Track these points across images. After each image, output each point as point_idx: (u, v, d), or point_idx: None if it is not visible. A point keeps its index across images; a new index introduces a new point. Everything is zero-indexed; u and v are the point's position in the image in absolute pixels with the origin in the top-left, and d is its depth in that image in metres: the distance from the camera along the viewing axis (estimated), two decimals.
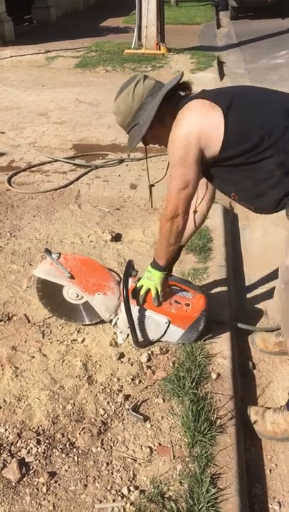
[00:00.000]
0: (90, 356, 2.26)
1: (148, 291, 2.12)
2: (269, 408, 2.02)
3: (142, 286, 2.13)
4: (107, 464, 1.77)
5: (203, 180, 2.03)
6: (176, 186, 1.82)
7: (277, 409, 1.99)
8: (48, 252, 2.25)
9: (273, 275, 2.91)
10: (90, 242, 3.21)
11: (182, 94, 1.88)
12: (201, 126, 1.72)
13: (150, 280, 2.09)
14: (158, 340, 2.29)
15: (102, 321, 2.40)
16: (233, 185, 1.86)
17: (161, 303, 2.15)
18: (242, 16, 13.93)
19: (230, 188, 1.88)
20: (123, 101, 1.88)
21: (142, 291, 2.12)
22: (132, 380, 2.12)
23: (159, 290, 2.10)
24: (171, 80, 1.88)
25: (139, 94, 1.85)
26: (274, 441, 1.96)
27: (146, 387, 2.08)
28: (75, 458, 1.79)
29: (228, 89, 1.96)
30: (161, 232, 1.98)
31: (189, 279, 2.69)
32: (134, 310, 2.18)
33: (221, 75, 7.89)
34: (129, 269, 2.22)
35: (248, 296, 2.83)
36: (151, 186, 2.35)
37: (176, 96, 1.86)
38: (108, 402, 2.01)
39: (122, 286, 2.16)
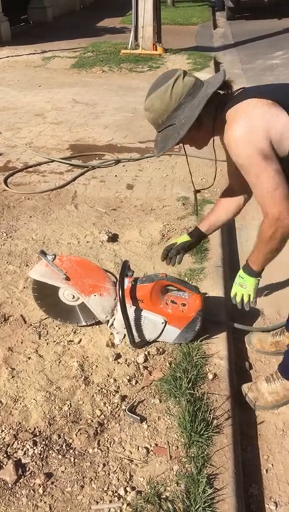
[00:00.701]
0: (87, 357, 2.25)
1: (242, 297, 1.94)
2: (256, 381, 2.11)
3: (235, 295, 1.95)
4: (104, 464, 1.77)
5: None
6: (266, 190, 1.63)
7: (270, 378, 2.07)
8: (43, 253, 2.25)
9: (270, 275, 2.91)
10: (87, 242, 3.21)
11: (221, 92, 1.75)
12: (265, 119, 1.58)
13: (243, 287, 1.91)
14: (154, 341, 2.29)
15: (99, 322, 2.40)
16: None
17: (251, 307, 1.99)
18: (238, 17, 13.95)
19: None
20: (159, 98, 1.72)
21: (246, 299, 1.92)
22: (129, 380, 2.12)
23: (252, 296, 1.92)
24: (214, 79, 1.76)
25: (178, 92, 1.70)
26: (271, 438, 1.96)
27: (142, 388, 2.08)
28: (72, 459, 1.79)
29: (273, 85, 1.85)
30: (263, 239, 1.75)
31: (186, 279, 2.69)
32: (131, 310, 2.18)
33: None
34: (125, 269, 2.22)
35: None
36: (196, 192, 2.20)
37: (216, 97, 1.73)
38: (105, 403, 2.01)
39: (117, 287, 2.16)
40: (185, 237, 2.27)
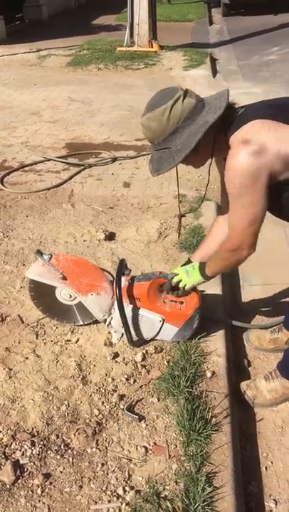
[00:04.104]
0: (85, 356, 2.25)
1: (179, 281, 2.09)
2: (254, 379, 2.13)
3: (175, 275, 2.10)
4: (102, 464, 1.76)
5: None
6: (242, 223, 1.66)
7: (269, 376, 2.08)
8: (40, 253, 2.23)
9: (268, 272, 2.91)
10: (84, 241, 3.19)
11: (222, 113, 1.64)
12: (272, 146, 1.53)
13: (187, 276, 2.05)
14: (152, 339, 2.29)
15: (96, 321, 2.39)
16: None
17: (180, 295, 2.15)
18: (234, 13, 13.89)
19: None
20: (156, 119, 1.65)
21: (187, 287, 2.08)
22: (127, 379, 2.11)
23: (187, 287, 2.08)
24: (216, 101, 1.66)
25: (176, 116, 1.62)
26: (270, 436, 1.96)
27: (141, 387, 2.07)
28: (70, 459, 1.78)
29: (275, 102, 1.77)
30: (220, 256, 1.87)
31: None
32: (128, 309, 2.17)
33: (214, 71, 7.88)
34: (122, 268, 2.22)
35: (243, 293, 2.82)
36: (181, 216, 2.19)
37: (218, 119, 1.62)
38: (103, 403, 2.00)
39: (115, 286, 2.15)
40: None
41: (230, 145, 1.63)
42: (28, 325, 2.46)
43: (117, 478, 1.71)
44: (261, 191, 1.58)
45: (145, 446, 1.82)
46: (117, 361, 2.21)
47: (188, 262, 2.20)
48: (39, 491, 1.67)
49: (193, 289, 2.22)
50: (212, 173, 2.05)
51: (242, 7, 13.81)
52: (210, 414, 1.89)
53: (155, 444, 1.83)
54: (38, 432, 1.88)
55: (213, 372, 2.10)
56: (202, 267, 2.01)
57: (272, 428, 2.01)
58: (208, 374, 2.09)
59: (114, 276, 2.21)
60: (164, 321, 2.18)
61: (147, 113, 1.69)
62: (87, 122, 5.52)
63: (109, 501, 1.63)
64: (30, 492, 1.67)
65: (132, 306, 2.18)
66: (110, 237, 3.23)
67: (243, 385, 2.11)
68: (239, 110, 1.69)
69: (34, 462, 1.76)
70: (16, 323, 2.47)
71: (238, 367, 2.30)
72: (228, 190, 1.66)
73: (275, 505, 1.74)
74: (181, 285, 2.10)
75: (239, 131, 1.60)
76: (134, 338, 2.23)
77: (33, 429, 1.89)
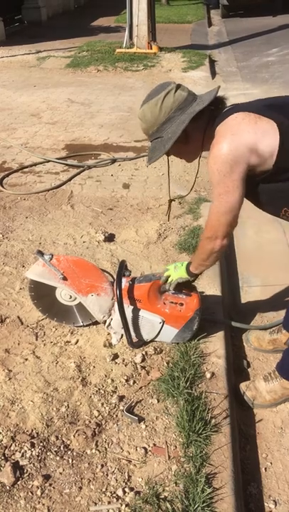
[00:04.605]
0: (84, 358, 2.25)
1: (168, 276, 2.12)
2: (254, 380, 2.13)
3: (167, 270, 2.14)
4: (102, 465, 1.76)
5: None
6: (218, 210, 1.72)
7: (268, 376, 2.08)
8: (40, 253, 2.24)
9: (267, 273, 2.91)
10: (83, 242, 3.20)
11: (213, 108, 1.76)
12: (251, 137, 1.59)
13: (174, 270, 2.09)
14: (152, 341, 2.29)
15: (96, 322, 2.39)
16: (288, 199, 1.72)
17: (165, 290, 2.17)
18: (233, 14, 13.93)
19: (283, 203, 1.74)
20: (150, 110, 1.77)
21: (165, 275, 2.12)
22: (126, 380, 2.11)
23: (173, 283, 2.09)
24: (206, 95, 1.77)
25: (168, 106, 1.73)
26: (270, 436, 1.96)
27: (140, 388, 2.08)
28: (70, 460, 1.78)
29: (263, 100, 1.84)
30: (199, 247, 1.93)
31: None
32: (128, 310, 2.18)
33: (213, 73, 7.89)
34: (122, 269, 2.22)
35: (242, 294, 2.82)
36: (170, 201, 2.24)
37: (207, 113, 1.74)
38: (102, 404, 2.00)
39: (115, 287, 2.15)
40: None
41: (215, 135, 1.70)
42: (28, 326, 2.46)
43: (116, 480, 1.71)
44: (238, 181, 1.64)
45: (145, 448, 1.82)
46: (116, 362, 2.21)
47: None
48: (39, 493, 1.67)
49: (193, 290, 2.22)
50: None
51: (241, 8, 13.84)
52: (209, 415, 1.89)
53: (155, 445, 1.83)
54: (37, 433, 1.88)
55: (213, 373, 2.10)
56: (188, 263, 2.05)
57: (272, 429, 2.01)
58: (208, 375, 2.09)
59: (115, 277, 2.21)
60: (164, 322, 2.18)
61: (143, 105, 1.81)
62: (86, 124, 5.53)
63: (108, 502, 1.63)
64: (29, 493, 1.67)
65: (132, 307, 2.18)
66: (110, 238, 3.23)
67: (243, 385, 2.12)
68: (228, 106, 1.78)
69: (34, 463, 1.76)
70: (16, 325, 2.47)
71: (237, 368, 2.30)
72: (209, 179, 1.73)
73: (274, 505, 1.74)
74: (168, 280, 2.11)
75: (222, 123, 1.67)
76: (134, 339, 2.23)
77: (32, 430, 1.89)
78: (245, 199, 1.73)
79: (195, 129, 1.74)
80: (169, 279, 2.12)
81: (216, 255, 1.87)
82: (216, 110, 1.75)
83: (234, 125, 1.63)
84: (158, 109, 1.74)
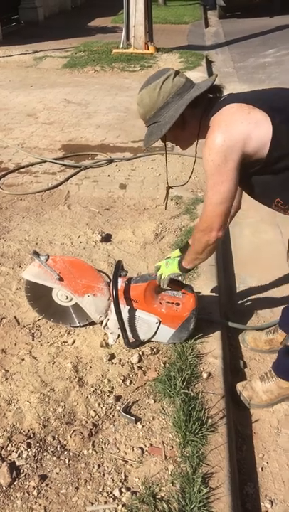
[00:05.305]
0: (81, 358, 2.25)
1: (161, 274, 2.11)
2: (250, 380, 2.14)
3: (159, 267, 2.13)
4: (99, 466, 1.76)
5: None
6: (213, 200, 1.72)
7: (265, 376, 2.09)
8: (36, 254, 2.23)
9: (264, 273, 2.92)
10: (80, 243, 3.20)
11: (211, 96, 1.78)
12: (244, 128, 1.62)
13: (166, 267, 2.08)
14: (149, 341, 2.29)
15: (93, 323, 2.39)
16: (279, 191, 1.75)
17: (161, 290, 2.16)
18: (230, 15, 13.95)
19: (276, 195, 1.77)
20: (148, 94, 1.78)
21: (158, 273, 2.12)
22: (123, 381, 2.11)
23: (166, 280, 2.08)
24: (203, 82, 1.80)
25: (166, 91, 1.74)
26: (266, 436, 1.96)
27: (137, 388, 2.08)
28: (66, 460, 1.78)
29: (258, 91, 1.88)
30: (193, 238, 1.93)
31: (179, 278, 2.68)
32: (125, 310, 2.18)
33: (210, 74, 7.89)
34: (119, 269, 2.22)
35: (239, 294, 2.83)
36: (168, 188, 2.23)
37: (205, 100, 1.77)
38: (99, 404, 2.00)
39: (111, 287, 2.15)
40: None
41: (210, 125, 1.72)
42: (24, 327, 2.45)
43: (113, 480, 1.71)
44: (232, 170, 1.65)
45: (141, 448, 1.82)
46: (113, 363, 2.21)
47: (186, 244, 2.19)
48: (35, 493, 1.67)
49: (190, 290, 2.23)
50: None
51: (238, 9, 13.86)
52: (206, 415, 1.89)
53: (151, 445, 1.83)
54: (34, 433, 1.87)
55: (210, 374, 2.11)
56: (181, 258, 2.03)
57: (268, 429, 2.01)
58: (205, 375, 2.10)
59: (111, 277, 2.21)
60: (160, 322, 2.18)
61: (142, 90, 1.81)
62: (83, 124, 5.53)
63: (105, 502, 1.63)
64: (26, 494, 1.67)
65: (128, 307, 2.18)
66: (106, 238, 3.23)
67: (239, 386, 2.12)
68: (224, 96, 1.80)
69: (30, 464, 1.76)
70: (12, 325, 2.47)
71: (234, 368, 2.30)
72: (204, 169, 1.74)
73: (270, 505, 1.74)
74: (162, 277, 2.10)
75: (217, 113, 1.69)
76: (131, 339, 2.23)
77: (29, 430, 1.89)
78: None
79: (192, 115, 1.76)
80: (162, 276, 2.10)
81: (211, 248, 1.86)
82: (213, 98, 1.78)
83: (228, 115, 1.66)
84: (156, 93, 1.75)
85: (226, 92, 1.83)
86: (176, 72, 1.78)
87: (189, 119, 1.77)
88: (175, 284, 2.23)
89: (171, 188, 2.26)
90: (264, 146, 1.62)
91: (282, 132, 1.61)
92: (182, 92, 1.75)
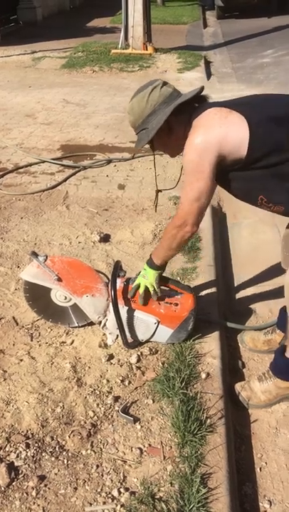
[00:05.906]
0: (79, 358, 2.24)
1: (145, 289, 2.13)
2: (249, 380, 2.14)
3: (138, 285, 2.14)
4: (97, 466, 1.76)
5: None
6: (189, 196, 1.82)
7: (263, 377, 2.09)
8: (35, 254, 2.23)
9: (262, 274, 2.92)
10: (79, 243, 3.19)
11: (196, 105, 1.88)
12: (221, 131, 1.72)
13: (145, 279, 2.11)
14: (147, 341, 2.29)
15: (91, 323, 2.39)
16: (261, 188, 1.82)
17: (158, 299, 2.17)
18: (228, 16, 13.98)
19: (258, 192, 1.83)
20: (137, 103, 1.90)
21: (141, 291, 2.13)
22: (122, 381, 2.11)
23: (155, 287, 2.12)
24: (190, 92, 1.89)
25: (154, 100, 1.86)
26: (265, 436, 1.97)
27: (135, 388, 2.08)
28: (65, 461, 1.78)
29: (238, 98, 1.98)
30: (166, 235, 1.99)
31: (178, 278, 2.69)
32: (123, 311, 2.18)
33: (208, 74, 7.91)
34: (117, 270, 2.22)
35: (237, 295, 2.83)
36: (158, 191, 2.33)
37: (190, 108, 1.87)
38: (98, 404, 2.00)
39: (110, 288, 2.15)
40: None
41: (191, 129, 1.82)
42: (23, 327, 2.45)
43: (111, 480, 1.71)
44: (208, 169, 1.75)
45: (140, 448, 1.82)
46: (111, 363, 2.21)
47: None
48: (34, 493, 1.67)
49: (188, 290, 2.23)
50: None
51: (236, 10, 13.88)
52: (205, 415, 1.89)
53: (150, 445, 1.83)
54: (32, 434, 1.87)
55: (208, 374, 2.11)
56: (149, 261, 2.08)
57: (267, 429, 2.02)
58: (203, 375, 2.10)
59: (109, 278, 2.21)
60: (158, 322, 2.18)
61: (132, 99, 1.93)
62: (81, 124, 5.53)
63: (104, 503, 1.63)
64: (24, 494, 1.66)
65: (127, 307, 2.18)
66: (105, 239, 3.23)
67: (238, 386, 2.12)
68: (208, 103, 1.89)
69: (29, 464, 1.76)
70: (11, 325, 2.46)
71: (232, 368, 2.30)
72: (183, 167, 1.84)
73: (269, 505, 1.74)
74: (150, 290, 2.11)
75: (198, 118, 1.81)
76: (129, 339, 2.23)
77: (27, 431, 1.88)
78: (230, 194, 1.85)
79: (177, 122, 1.85)
80: (150, 288, 2.11)
81: (183, 243, 1.97)
82: (198, 107, 1.87)
83: (207, 119, 1.77)
84: (144, 102, 1.86)
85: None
86: (164, 83, 1.90)
87: (175, 126, 1.87)
88: (173, 284, 2.24)
89: (160, 191, 2.33)
90: (241, 147, 1.71)
91: (258, 134, 1.70)
92: (169, 100, 1.85)
